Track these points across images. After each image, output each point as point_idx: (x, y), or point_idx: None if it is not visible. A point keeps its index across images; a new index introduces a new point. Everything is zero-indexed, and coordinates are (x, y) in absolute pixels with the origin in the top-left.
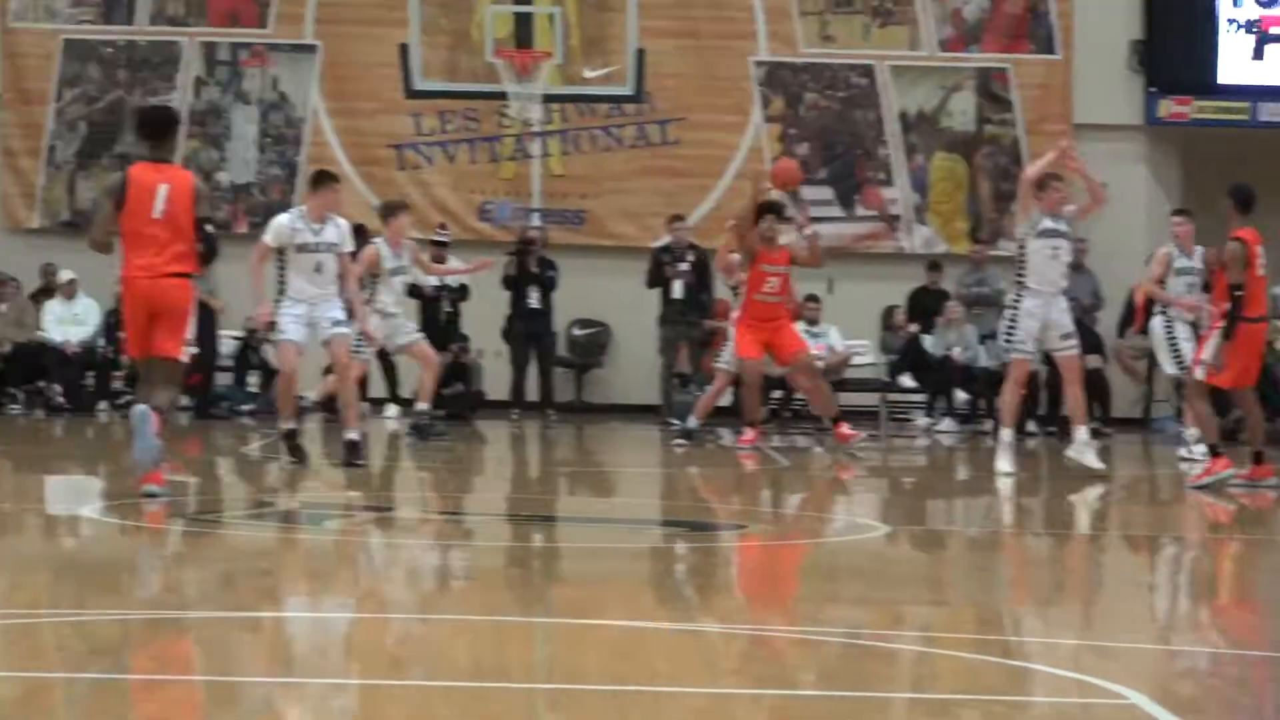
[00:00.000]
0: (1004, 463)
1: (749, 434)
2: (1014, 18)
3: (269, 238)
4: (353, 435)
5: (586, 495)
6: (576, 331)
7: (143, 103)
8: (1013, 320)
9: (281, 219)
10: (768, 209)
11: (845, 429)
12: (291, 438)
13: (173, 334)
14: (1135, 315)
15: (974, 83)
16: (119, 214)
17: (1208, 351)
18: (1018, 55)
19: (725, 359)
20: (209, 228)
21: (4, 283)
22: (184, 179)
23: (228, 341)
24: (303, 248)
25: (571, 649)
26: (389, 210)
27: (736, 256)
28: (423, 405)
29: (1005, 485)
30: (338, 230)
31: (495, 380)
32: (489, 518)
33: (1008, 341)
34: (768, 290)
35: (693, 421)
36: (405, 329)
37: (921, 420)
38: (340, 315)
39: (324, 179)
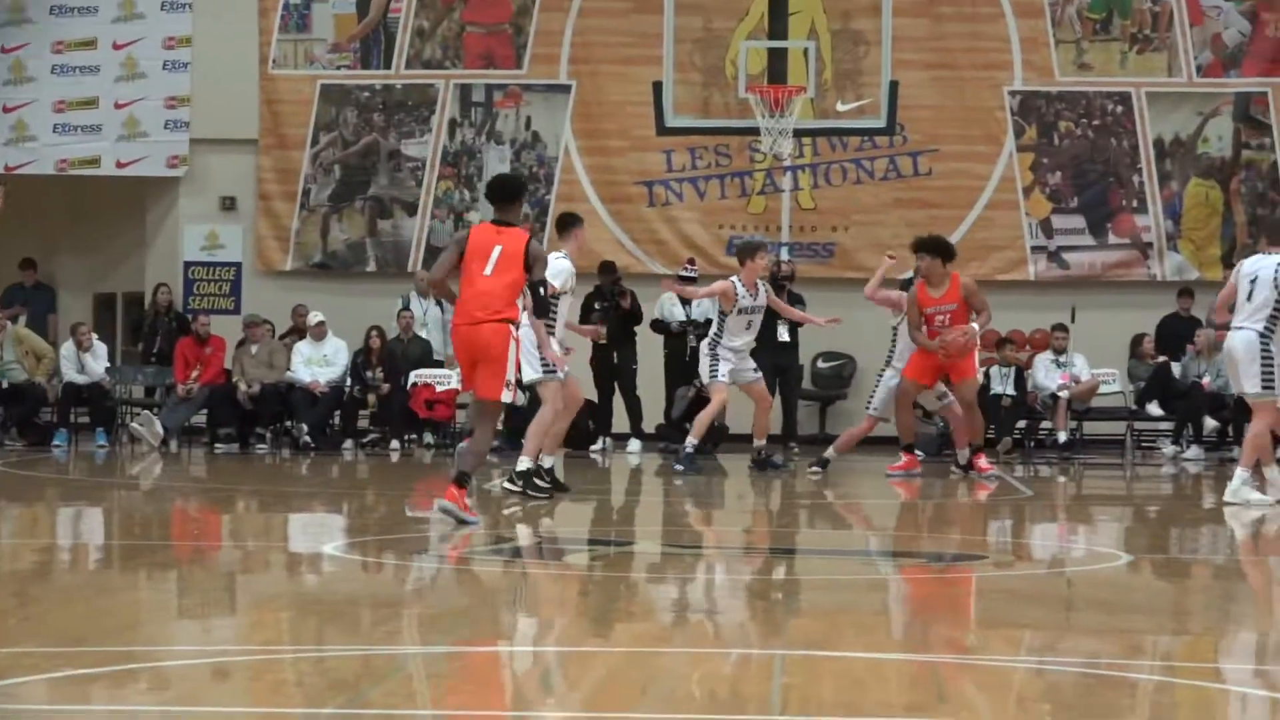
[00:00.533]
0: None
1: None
2: (1275, 41)
3: (559, 282)
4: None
5: (826, 528)
6: (821, 364)
7: (498, 173)
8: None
9: (565, 263)
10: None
11: (984, 460)
12: (541, 475)
13: (492, 378)
14: None
15: (1232, 108)
16: (458, 266)
17: None
18: (1278, 79)
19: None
20: (542, 290)
21: (256, 325)
22: (518, 241)
23: None
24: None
25: (809, 680)
26: (748, 250)
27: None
28: (759, 442)
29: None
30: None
31: (739, 414)
32: (729, 550)
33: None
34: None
35: (831, 453)
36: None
37: (1168, 448)
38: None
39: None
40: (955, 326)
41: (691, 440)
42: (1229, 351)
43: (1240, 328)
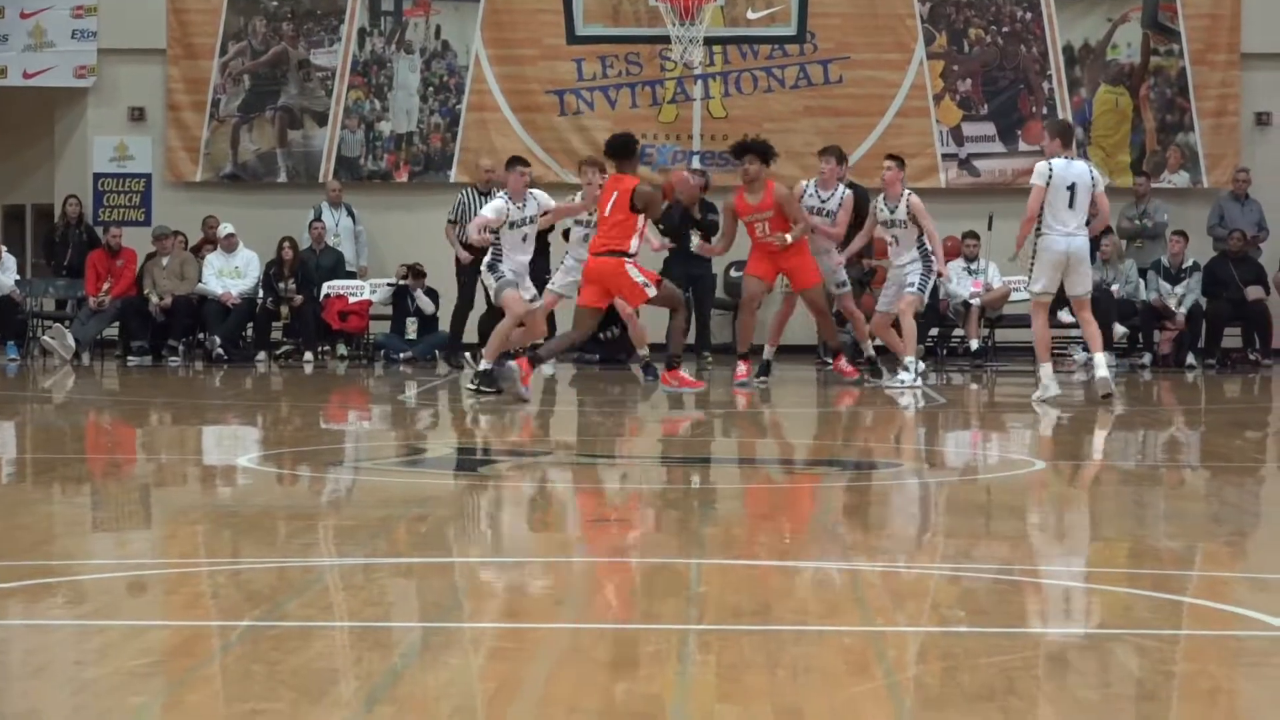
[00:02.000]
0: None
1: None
2: None
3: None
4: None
5: (741, 437)
6: (735, 273)
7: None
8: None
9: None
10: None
11: (844, 363)
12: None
13: (624, 292)
14: None
15: (1141, 13)
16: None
17: None
18: None
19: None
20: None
21: (166, 237)
22: (628, 186)
23: (383, 288)
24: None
25: (723, 589)
26: (508, 165)
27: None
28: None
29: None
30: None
31: (653, 324)
32: (643, 460)
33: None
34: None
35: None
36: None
37: (1079, 355)
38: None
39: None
40: (774, 234)
41: (486, 360)
42: (1071, 255)
43: (1075, 234)
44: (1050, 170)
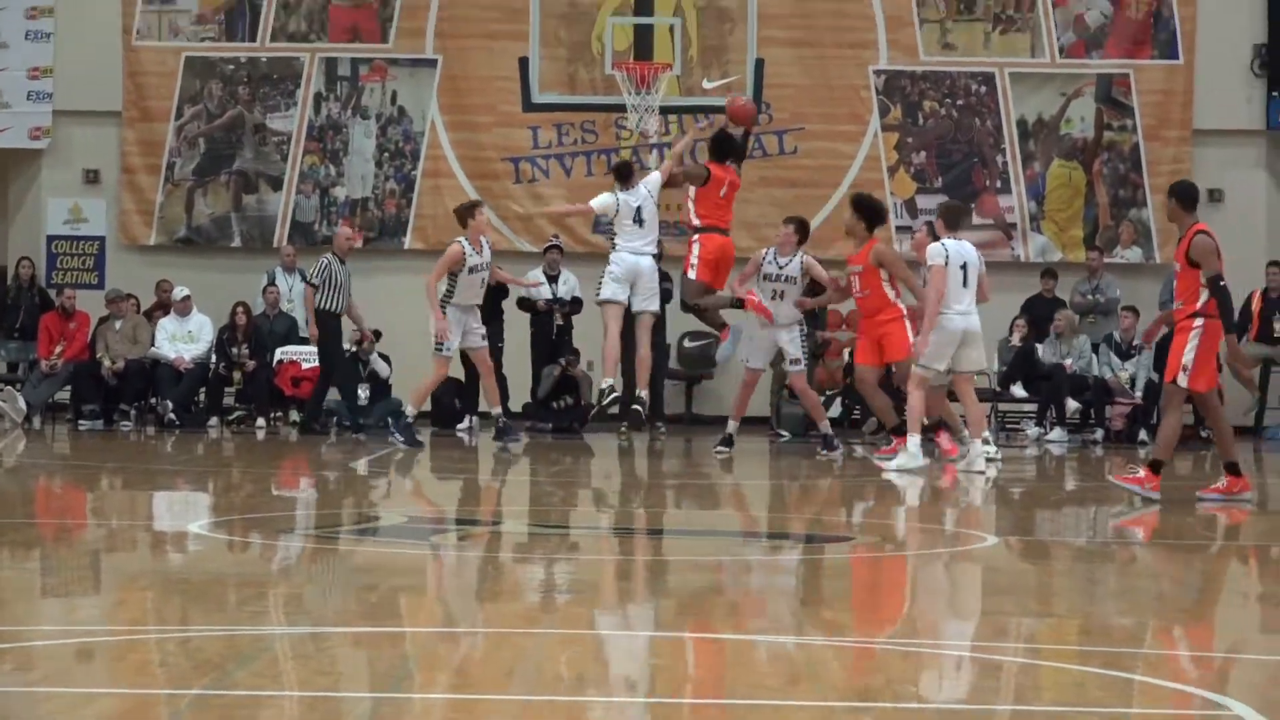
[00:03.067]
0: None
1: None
2: (1136, 23)
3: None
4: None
5: (693, 508)
6: (688, 344)
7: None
8: None
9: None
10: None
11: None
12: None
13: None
14: (1252, 321)
15: (1095, 89)
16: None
17: (1189, 355)
18: (1140, 61)
19: None
20: None
21: (120, 300)
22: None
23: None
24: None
25: (678, 662)
26: (467, 210)
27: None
28: (495, 410)
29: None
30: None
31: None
32: (595, 531)
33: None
34: None
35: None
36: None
37: (1032, 430)
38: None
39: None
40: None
41: (409, 409)
42: (966, 333)
43: (968, 313)
44: (946, 251)
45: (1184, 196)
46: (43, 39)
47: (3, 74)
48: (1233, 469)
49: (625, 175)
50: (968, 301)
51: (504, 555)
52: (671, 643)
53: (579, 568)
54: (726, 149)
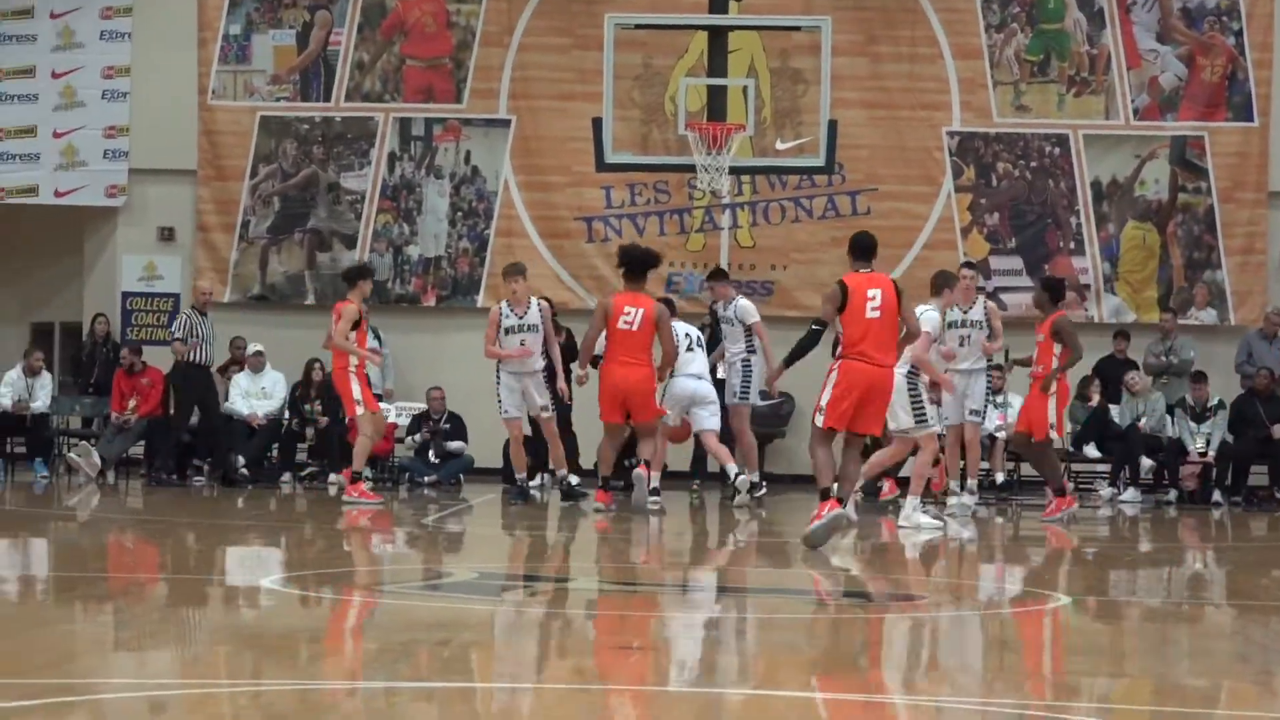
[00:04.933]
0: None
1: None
2: (1211, 86)
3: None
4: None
5: (765, 566)
6: (759, 403)
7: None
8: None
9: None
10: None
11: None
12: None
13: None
14: None
15: (1169, 151)
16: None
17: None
18: (1214, 123)
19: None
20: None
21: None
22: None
23: (406, 414)
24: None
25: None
26: (507, 273)
27: None
28: (560, 471)
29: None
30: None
31: (678, 451)
32: (667, 588)
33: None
34: None
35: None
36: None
37: (1105, 490)
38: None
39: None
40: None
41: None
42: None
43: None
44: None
45: (1050, 289)
46: (119, 98)
47: (79, 132)
48: None
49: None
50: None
51: (573, 611)
52: (742, 700)
53: (647, 624)
54: None
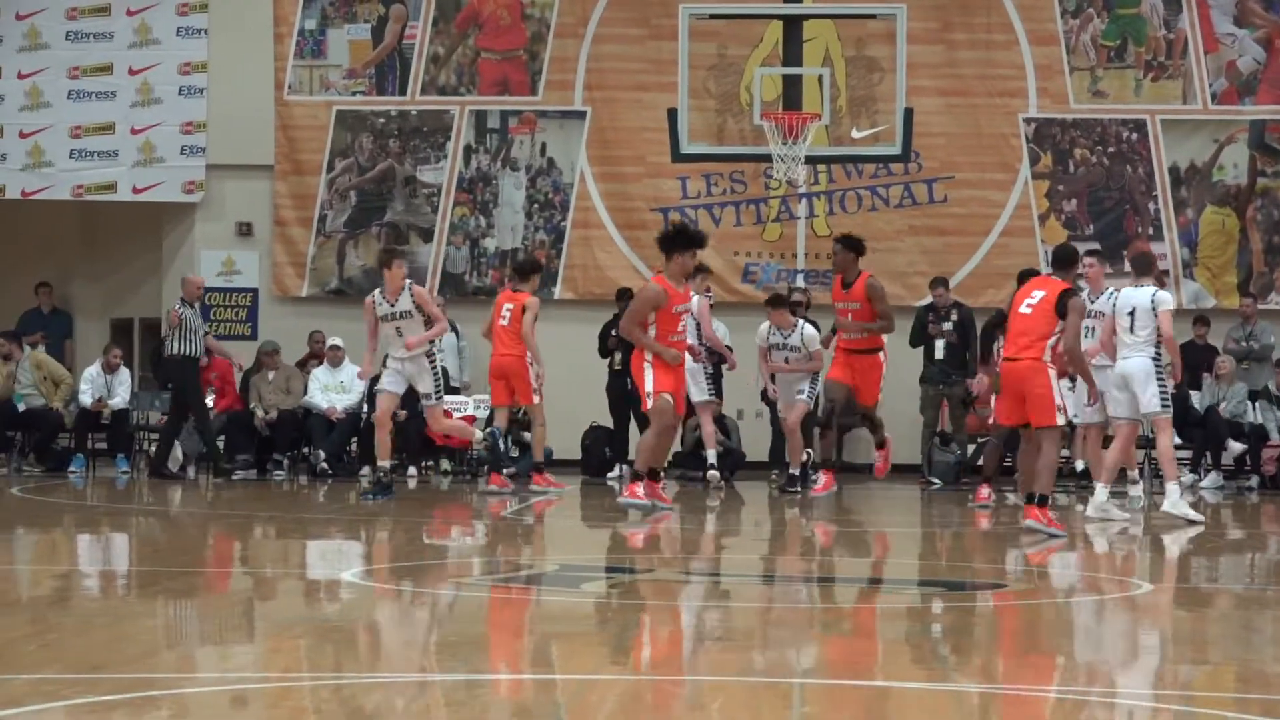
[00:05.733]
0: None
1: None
2: None
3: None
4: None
5: (843, 556)
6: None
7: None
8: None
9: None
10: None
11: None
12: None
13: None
14: None
15: (1248, 135)
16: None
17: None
18: None
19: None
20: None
21: (273, 352)
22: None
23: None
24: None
25: (830, 709)
26: (384, 258)
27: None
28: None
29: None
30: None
31: (755, 441)
32: (745, 579)
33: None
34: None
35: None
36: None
37: (1187, 476)
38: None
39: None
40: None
41: (383, 464)
42: (1125, 377)
43: (1129, 356)
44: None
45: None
46: (195, 94)
47: (156, 129)
48: None
49: None
50: (1126, 348)
51: (654, 602)
52: (822, 689)
53: (729, 615)
54: None
